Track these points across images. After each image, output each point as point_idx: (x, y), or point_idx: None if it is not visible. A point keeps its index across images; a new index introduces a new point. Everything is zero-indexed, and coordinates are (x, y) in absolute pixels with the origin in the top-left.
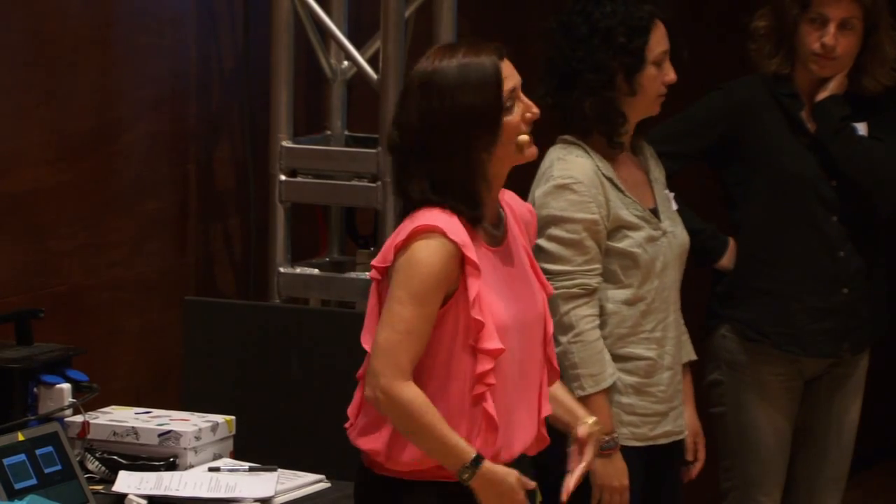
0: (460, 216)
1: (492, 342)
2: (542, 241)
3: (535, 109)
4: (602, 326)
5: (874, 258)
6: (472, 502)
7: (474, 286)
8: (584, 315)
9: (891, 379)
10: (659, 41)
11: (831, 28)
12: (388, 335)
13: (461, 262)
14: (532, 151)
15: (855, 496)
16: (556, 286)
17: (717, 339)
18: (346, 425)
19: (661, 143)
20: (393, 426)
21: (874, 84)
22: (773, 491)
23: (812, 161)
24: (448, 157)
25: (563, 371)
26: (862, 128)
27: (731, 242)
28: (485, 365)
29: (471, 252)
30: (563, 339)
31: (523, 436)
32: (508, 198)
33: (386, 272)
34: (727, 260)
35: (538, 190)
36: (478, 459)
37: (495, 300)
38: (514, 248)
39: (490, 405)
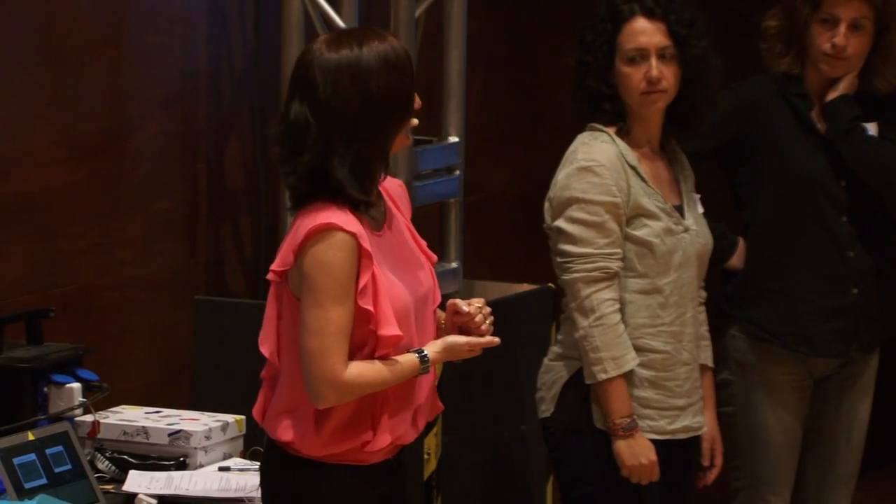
0: (351, 207)
1: (389, 328)
2: (562, 223)
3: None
4: None
5: (884, 258)
6: (384, 484)
7: (364, 276)
8: (605, 299)
9: None
10: (631, 38)
11: (842, 28)
12: (321, 341)
13: (360, 253)
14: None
15: (865, 497)
16: (576, 269)
17: (726, 339)
18: (261, 424)
19: None
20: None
21: (885, 84)
22: (782, 491)
23: (822, 161)
24: (369, 140)
25: (584, 355)
26: (872, 128)
27: (741, 242)
28: (383, 350)
29: (366, 242)
30: (584, 322)
31: (424, 409)
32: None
33: (284, 275)
34: (737, 259)
35: (561, 173)
36: (424, 358)
37: (395, 285)
38: (396, 227)
39: (389, 393)
